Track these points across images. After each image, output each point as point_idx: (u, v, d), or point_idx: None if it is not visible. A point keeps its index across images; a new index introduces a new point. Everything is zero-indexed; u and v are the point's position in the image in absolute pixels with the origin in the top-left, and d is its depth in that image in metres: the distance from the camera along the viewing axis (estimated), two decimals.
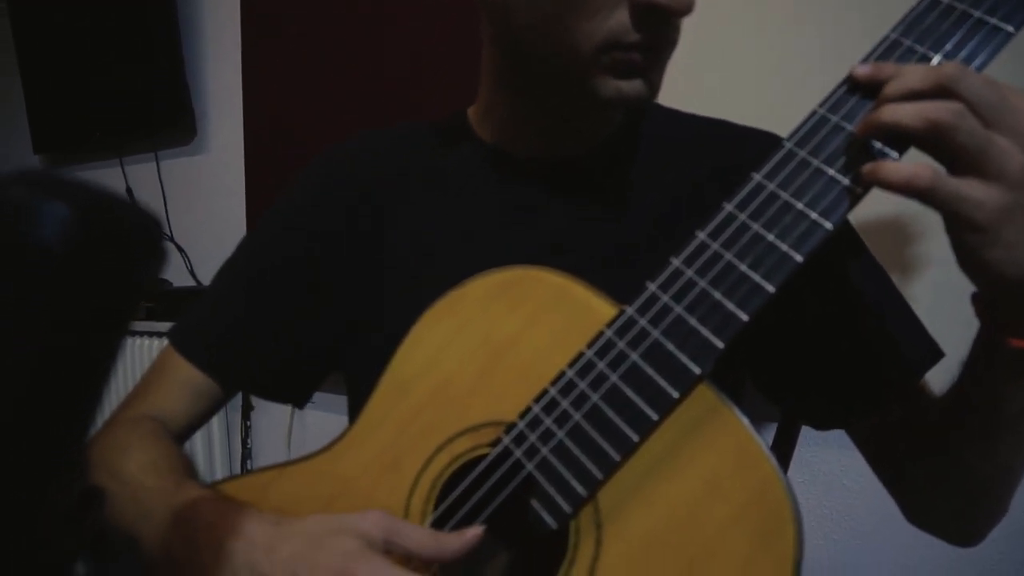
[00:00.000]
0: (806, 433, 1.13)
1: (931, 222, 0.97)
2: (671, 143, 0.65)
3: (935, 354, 0.59)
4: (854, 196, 0.45)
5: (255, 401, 1.73)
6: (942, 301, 0.74)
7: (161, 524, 0.51)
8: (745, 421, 0.46)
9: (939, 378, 0.58)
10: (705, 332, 0.46)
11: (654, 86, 0.55)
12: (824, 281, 0.60)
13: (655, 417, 0.46)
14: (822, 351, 0.60)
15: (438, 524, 0.51)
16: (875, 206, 0.99)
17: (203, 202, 1.80)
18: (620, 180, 0.63)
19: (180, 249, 1.80)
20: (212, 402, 0.65)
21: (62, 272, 0.22)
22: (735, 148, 0.63)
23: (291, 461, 0.57)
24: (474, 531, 0.47)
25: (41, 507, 0.22)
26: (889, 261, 0.84)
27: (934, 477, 0.57)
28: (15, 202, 0.22)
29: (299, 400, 0.69)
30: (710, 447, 0.46)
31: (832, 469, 1.09)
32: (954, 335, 0.60)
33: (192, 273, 1.78)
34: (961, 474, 0.54)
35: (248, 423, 1.74)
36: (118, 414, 0.64)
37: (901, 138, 0.43)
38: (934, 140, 0.40)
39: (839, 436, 1.15)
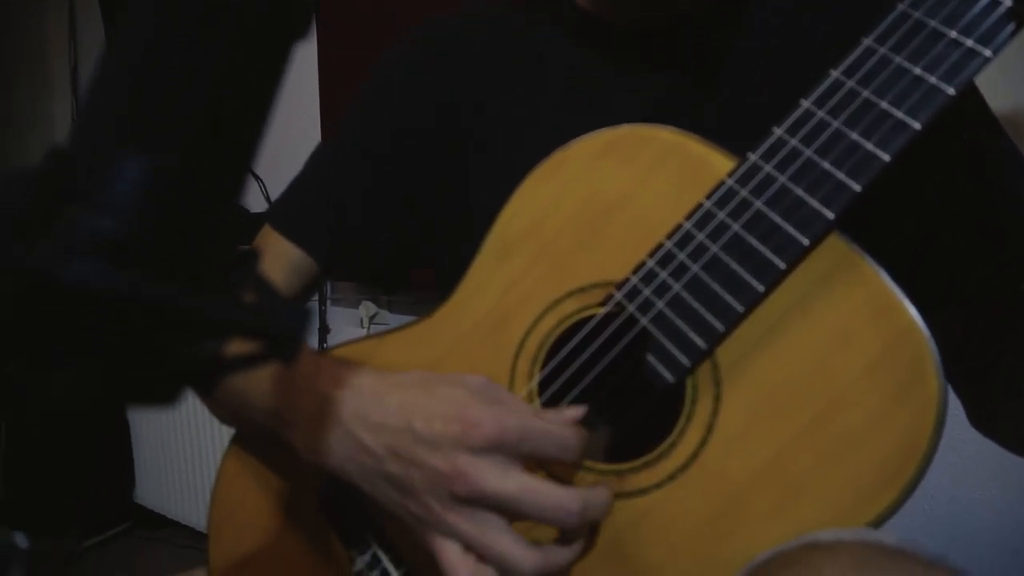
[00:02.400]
0: None
1: None
2: (777, 8, 0.60)
3: None
4: (980, 59, 0.40)
5: (331, 324, 1.76)
6: None
7: (264, 384, 0.51)
8: (881, 271, 0.43)
9: None
10: (840, 175, 0.43)
11: None
12: (956, 152, 0.55)
13: (782, 266, 0.43)
14: (953, 224, 0.55)
15: (545, 385, 0.50)
16: (992, 101, 0.92)
17: (278, 128, 1.79)
18: (725, 47, 0.59)
19: (255, 176, 1.82)
20: (308, 279, 0.65)
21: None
22: (845, 11, 0.58)
23: (392, 329, 0.57)
24: (575, 412, 0.45)
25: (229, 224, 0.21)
26: None
27: (1006, 379, 0.53)
28: None
29: (393, 283, 0.69)
30: (842, 299, 0.43)
31: None
32: None
33: (268, 199, 1.81)
34: None
35: (325, 346, 1.77)
36: None
37: None
38: None
39: None
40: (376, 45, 1.68)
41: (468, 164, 0.63)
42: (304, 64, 1.74)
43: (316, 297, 1.75)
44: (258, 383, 0.52)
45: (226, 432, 0.61)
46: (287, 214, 0.66)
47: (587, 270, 0.50)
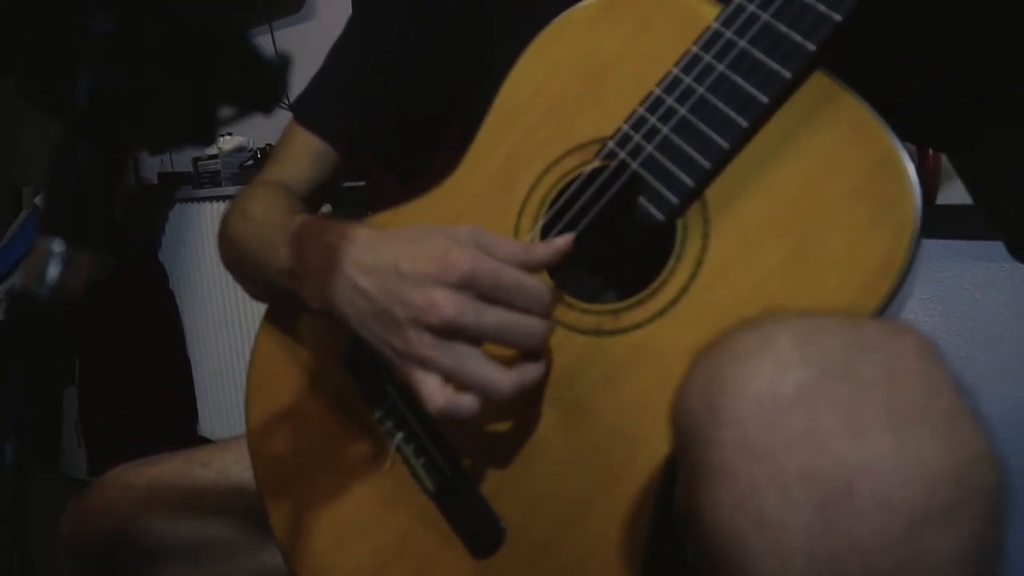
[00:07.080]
0: (933, 247, 1.07)
1: None
2: None
3: None
4: None
5: None
6: None
7: (281, 248, 0.56)
8: (863, 102, 0.44)
9: None
10: (820, 7, 0.44)
11: None
12: None
13: (765, 100, 0.45)
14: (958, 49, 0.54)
15: (545, 233, 0.52)
16: None
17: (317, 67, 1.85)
18: None
19: None
20: (333, 168, 0.69)
21: None
22: None
23: (408, 199, 0.60)
24: (564, 239, 0.48)
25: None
26: None
27: None
28: None
29: (413, 173, 0.72)
30: (826, 129, 0.44)
31: (963, 283, 1.04)
32: None
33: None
34: None
35: None
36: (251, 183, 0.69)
37: None
38: None
39: (971, 248, 1.08)
40: None
41: (485, 44, 0.65)
42: (338, 3, 1.76)
43: None
44: (276, 249, 0.56)
45: None
46: (307, 108, 0.69)
47: (586, 128, 0.53)
